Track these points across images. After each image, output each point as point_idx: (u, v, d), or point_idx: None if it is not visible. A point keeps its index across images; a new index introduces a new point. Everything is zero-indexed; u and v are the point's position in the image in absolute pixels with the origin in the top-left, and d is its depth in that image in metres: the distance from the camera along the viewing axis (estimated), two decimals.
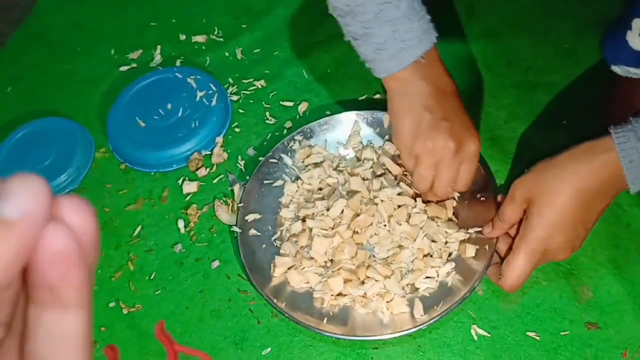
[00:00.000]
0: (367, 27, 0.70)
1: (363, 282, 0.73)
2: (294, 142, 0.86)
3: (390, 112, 0.75)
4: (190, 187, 0.87)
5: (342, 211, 0.77)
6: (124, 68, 1.04)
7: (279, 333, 0.74)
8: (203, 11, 1.11)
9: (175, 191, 0.88)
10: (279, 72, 0.99)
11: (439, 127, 0.70)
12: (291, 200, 0.82)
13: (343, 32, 0.73)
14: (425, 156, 0.72)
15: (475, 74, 0.93)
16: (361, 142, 0.85)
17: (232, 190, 0.86)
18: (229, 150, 0.91)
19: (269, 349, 0.73)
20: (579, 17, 0.96)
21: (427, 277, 0.72)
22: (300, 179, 0.83)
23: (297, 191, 0.83)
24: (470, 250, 0.73)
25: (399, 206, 0.76)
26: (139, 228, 0.85)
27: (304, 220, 0.78)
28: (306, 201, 0.81)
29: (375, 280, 0.72)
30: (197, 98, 0.94)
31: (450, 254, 0.74)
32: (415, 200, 0.77)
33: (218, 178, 0.88)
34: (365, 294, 0.72)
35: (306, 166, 0.85)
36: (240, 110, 0.95)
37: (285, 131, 0.91)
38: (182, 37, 1.07)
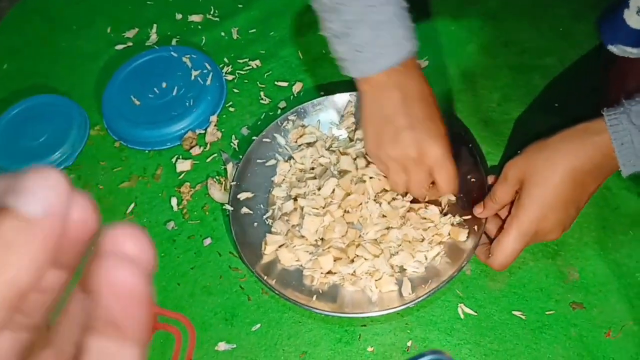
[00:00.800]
0: (348, 27, 0.69)
1: (352, 261, 0.74)
2: (288, 122, 0.86)
3: (360, 116, 0.75)
4: (183, 166, 0.88)
5: (333, 190, 0.78)
6: (119, 46, 1.05)
7: (269, 310, 0.75)
8: None
9: (168, 169, 0.88)
10: (274, 53, 0.99)
11: (400, 136, 0.70)
12: (283, 179, 0.83)
13: (320, 26, 0.72)
14: (390, 163, 0.73)
15: (470, 55, 0.93)
16: (354, 123, 0.86)
17: (225, 169, 0.86)
18: (223, 130, 0.91)
19: (258, 325, 0.74)
20: (576, 0, 0.96)
21: (415, 261, 0.73)
22: (293, 158, 0.84)
23: (289, 170, 0.83)
24: (462, 234, 0.73)
25: (386, 190, 0.77)
26: (132, 205, 0.86)
27: (295, 199, 0.79)
28: (298, 180, 0.81)
29: (365, 259, 0.73)
30: (192, 77, 0.94)
31: (441, 242, 0.74)
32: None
33: (212, 157, 0.88)
34: (354, 272, 0.73)
35: (299, 146, 0.85)
36: (235, 90, 0.96)
37: (279, 111, 0.92)
38: (179, 16, 1.07)
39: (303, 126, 0.86)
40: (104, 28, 1.08)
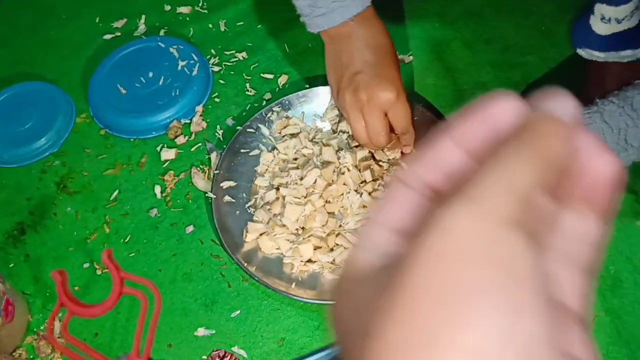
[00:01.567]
0: None
1: (332, 249, 0.75)
2: (272, 113, 0.87)
3: (326, 69, 0.80)
4: (168, 154, 0.88)
5: (315, 181, 0.79)
6: (108, 36, 1.05)
7: (249, 297, 0.76)
8: None
9: (153, 158, 0.89)
10: (261, 45, 1.00)
11: (353, 80, 0.74)
12: (267, 169, 0.84)
13: None
14: (348, 109, 0.76)
15: (453, 52, 0.94)
16: (337, 115, 0.87)
17: (209, 158, 0.87)
18: (208, 120, 0.92)
19: (238, 312, 0.75)
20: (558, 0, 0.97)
21: None
22: (276, 149, 0.85)
23: (272, 161, 0.84)
24: None
25: (366, 182, 0.78)
26: (116, 192, 0.86)
27: (277, 188, 0.80)
28: (281, 170, 0.82)
29: (344, 248, 0.74)
30: (179, 67, 0.95)
31: None
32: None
33: (196, 146, 0.89)
34: (334, 260, 0.74)
35: (283, 137, 0.86)
36: (221, 81, 0.96)
37: (264, 103, 0.92)
38: (167, 7, 1.08)
39: (287, 117, 0.87)
40: (93, 18, 1.09)
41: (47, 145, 0.91)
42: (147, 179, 0.87)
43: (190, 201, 0.84)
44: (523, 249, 0.18)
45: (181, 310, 0.75)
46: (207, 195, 0.83)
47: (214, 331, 0.74)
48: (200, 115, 0.92)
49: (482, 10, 0.98)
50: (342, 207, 0.77)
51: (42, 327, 0.76)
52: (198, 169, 0.86)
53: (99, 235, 0.83)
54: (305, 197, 0.78)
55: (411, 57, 0.94)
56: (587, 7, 0.73)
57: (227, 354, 0.72)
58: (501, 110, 0.21)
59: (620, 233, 0.75)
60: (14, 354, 0.74)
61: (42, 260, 0.82)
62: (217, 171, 0.82)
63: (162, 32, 1.04)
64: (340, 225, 0.76)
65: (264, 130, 0.86)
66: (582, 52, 0.75)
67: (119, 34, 1.05)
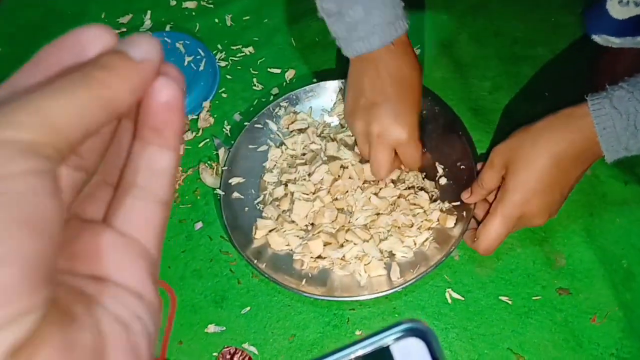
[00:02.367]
0: (341, 5, 0.70)
1: (342, 245, 0.74)
2: (280, 108, 0.87)
3: (346, 86, 0.79)
4: None
5: (323, 177, 0.78)
6: None
7: (259, 293, 0.76)
8: None
9: None
10: (267, 40, 0.99)
11: (369, 110, 0.73)
12: (275, 165, 0.83)
13: (317, 7, 0.73)
14: (357, 134, 0.76)
15: (461, 45, 0.93)
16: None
17: (217, 154, 0.87)
18: (215, 115, 0.92)
19: (248, 308, 0.74)
20: None
21: (404, 246, 0.74)
22: (284, 144, 0.84)
23: (280, 156, 0.84)
24: (450, 221, 0.74)
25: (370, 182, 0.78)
26: None
27: (286, 184, 0.80)
28: (289, 166, 0.82)
29: (354, 244, 0.74)
30: (185, 63, 0.95)
31: (429, 228, 0.75)
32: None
33: (204, 142, 0.89)
34: (344, 256, 0.74)
35: (291, 132, 0.86)
36: (228, 76, 0.96)
37: (271, 97, 0.92)
38: (173, 2, 1.07)
39: (295, 112, 0.87)
40: (98, 14, 1.08)
41: None
42: None
43: (198, 197, 0.84)
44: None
45: (191, 307, 0.75)
46: (215, 191, 0.82)
47: (224, 328, 0.73)
48: (208, 111, 0.92)
49: (490, 4, 0.98)
50: (348, 204, 0.77)
51: None
52: (206, 164, 0.86)
53: None
54: (314, 194, 0.78)
55: (419, 51, 0.93)
56: None
57: (237, 351, 0.72)
58: (89, 39, 0.22)
59: (632, 226, 0.74)
60: None
61: None
62: (225, 167, 0.82)
63: (167, 28, 1.03)
64: (349, 221, 0.76)
65: (272, 125, 0.86)
66: (598, 39, 0.74)
67: (124, 29, 1.05)
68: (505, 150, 0.69)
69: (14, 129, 0.18)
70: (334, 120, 0.86)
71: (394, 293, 0.71)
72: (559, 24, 0.93)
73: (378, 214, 0.76)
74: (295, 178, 0.80)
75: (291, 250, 0.76)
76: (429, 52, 0.93)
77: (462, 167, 0.78)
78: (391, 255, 0.74)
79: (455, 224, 0.74)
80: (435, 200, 0.77)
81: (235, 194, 0.80)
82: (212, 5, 1.06)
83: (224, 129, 0.90)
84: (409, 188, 0.77)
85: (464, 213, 0.74)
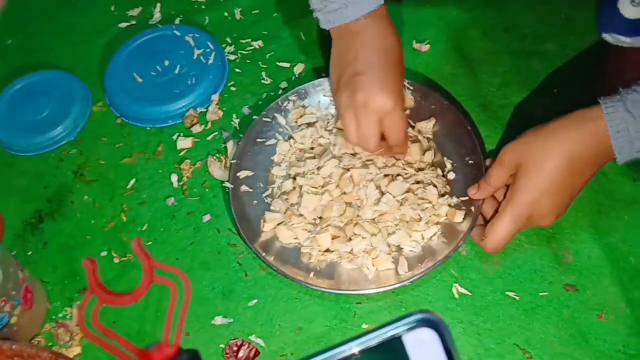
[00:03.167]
0: None
1: (350, 239, 0.74)
2: (288, 102, 0.87)
3: (330, 62, 0.79)
4: (184, 143, 0.88)
5: (332, 171, 0.78)
6: (123, 24, 1.05)
7: (266, 286, 0.76)
8: None
9: (169, 146, 0.89)
10: (276, 33, 0.99)
11: (353, 80, 0.73)
12: (283, 158, 0.84)
13: None
14: (343, 109, 0.75)
15: (471, 40, 0.93)
16: None
17: (226, 147, 0.87)
18: (224, 108, 0.92)
19: (255, 301, 0.75)
20: None
21: (412, 241, 0.74)
22: (293, 138, 0.84)
23: (289, 150, 0.84)
24: (459, 216, 0.74)
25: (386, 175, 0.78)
26: (132, 181, 0.86)
27: (294, 178, 0.80)
28: (297, 160, 0.82)
29: (362, 237, 0.74)
30: (195, 56, 0.95)
31: (438, 222, 0.75)
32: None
33: (212, 135, 0.89)
34: (352, 250, 0.74)
35: (299, 126, 0.86)
36: (237, 70, 0.96)
37: (280, 91, 0.92)
38: None
39: (303, 106, 0.87)
40: (108, 6, 1.08)
41: (64, 134, 0.91)
42: (163, 168, 0.87)
43: (207, 190, 0.84)
44: None
45: (199, 299, 0.75)
46: (224, 184, 0.83)
47: (231, 320, 0.74)
48: (217, 104, 0.92)
49: None
50: (358, 197, 0.77)
51: (60, 315, 0.77)
52: (214, 157, 0.86)
53: (116, 223, 0.83)
54: (322, 187, 0.78)
55: (428, 46, 0.93)
56: None
57: (244, 343, 0.72)
58: None
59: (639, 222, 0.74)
60: (32, 341, 0.75)
61: (60, 248, 0.82)
62: (234, 160, 0.82)
63: (177, 21, 1.03)
64: (358, 215, 0.76)
65: (280, 119, 0.86)
66: (608, 37, 0.74)
67: (134, 22, 1.05)
68: (516, 149, 0.68)
69: None
70: None
71: (401, 287, 0.71)
72: (569, 19, 0.93)
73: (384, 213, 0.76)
74: (304, 172, 0.80)
75: (299, 243, 0.76)
76: (438, 47, 0.93)
77: (470, 162, 0.78)
78: (399, 249, 0.74)
79: (463, 219, 0.74)
80: (443, 195, 0.77)
81: (244, 187, 0.80)
82: None
83: (232, 122, 0.90)
84: (418, 182, 0.77)
85: (472, 208, 0.74)
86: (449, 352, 0.28)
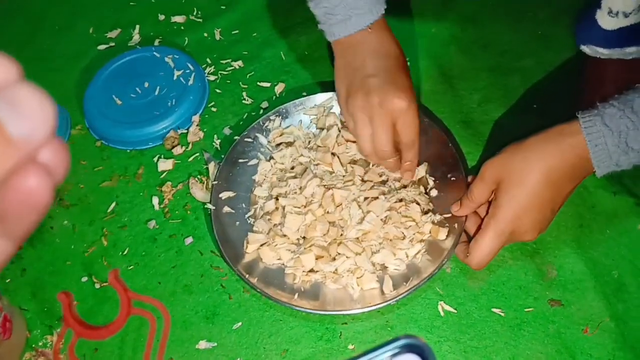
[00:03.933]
0: None
1: (334, 259, 0.74)
2: (270, 122, 0.86)
3: (334, 76, 0.79)
4: (165, 165, 0.88)
5: (315, 190, 0.78)
6: (102, 47, 1.04)
7: (250, 308, 0.75)
8: None
9: (150, 169, 0.88)
10: (256, 54, 0.99)
11: (365, 83, 0.74)
12: (264, 178, 0.83)
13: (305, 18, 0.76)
14: (357, 114, 0.75)
15: (450, 57, 0.94)
16: (323, 109, 0.86)
17: (207, 169, 0.86)
18: (205, 129, 0.91)
19: (239, 324, 0.74)
20: (553, 4, 0.97)
21: (396, 259, 0.74)
22: (273, 158, 0.84)
23: (270, 170, 0.83)
24: (442, 233, 0.74)
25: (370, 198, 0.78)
26: (113, 204, 0.85)
27: (277, 198, 0.79)
28: (279, 180, 0.82)
29: (347, 257, 0.74)
30: (175, 77, 0.94)
31: (422, 240, 0.75)
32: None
33: (193, 156, 0.88)
34: (336, 270, 0.73)
35: (277, 145, 0.85)
36: (218, 90, 0.96)
37: (261, 111, 0.92)
38: (161, 17, 1.07)
39: (282, 127, 0.86)
40: (87, 28, 1.08)
41: None
42: (144, 191, 0.86)
43: (189, 212, 0.83)
44: None
45: (182, 323, 0.74)
46: (205, 206, 0.82)
47: (215, 344, 0.73)
48: (197, 125, 0.91)
49: (478, 16, 0.98)
50: (341, 217, 0.77)
51: (40, 343, 0.75)
52: (196, 179, 0.85)
53: (97, 248, 0.82)
54: (305, 207, 0.78)
55: (407, 63, 0.93)
56: (591, 3, 0.73)
57: None
58: None
59: (622, 237, 0.74)
60: None
61: (39, 275, 0.81)
62: (216, 181, 0.81)
63: (156, 42, 1.03)
64: (341, 234, 0.76)
65: (262, 139, 0.86)
66: (586, 49, 0.75)
67: (113, 44, 1.05)
68: (497, 165, 0.69)
69: None
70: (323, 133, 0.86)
71: (386, 306, 0.71)
72: (546, 36, 0.94)
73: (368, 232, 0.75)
74: (285, 192, 0.79)
75: (283, 264, 0.75)
76: (418, 64, 0.94)
77: (452, 179, 0.78)
78: (383, 268, 0.74)
79: (447, 236, 0.74)
80: (426, 213, 0.76)
81: (226, 208, 0.80)
82: (200, 20, 1.06)
83: (213, 143, 0.90)
84: (400, 200, 0.77)
85: (456, 225, 0.74)
86: None
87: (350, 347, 0.71)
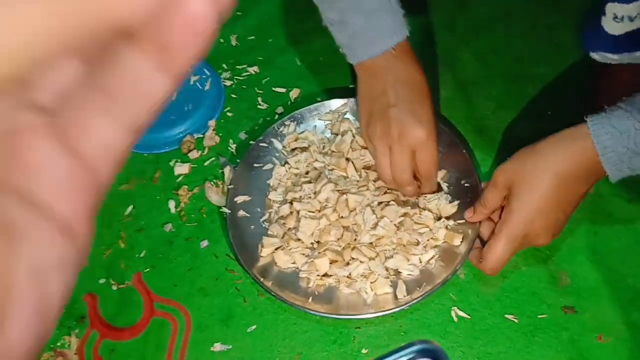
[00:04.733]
0: (343, 14, 0.72)
1: (348, 263, 0.75)
2: (285, 127, 0.87)
3: (357, 99, 0.79)
4: (181, 169, 0.89)
5: (329, 195, 0.79)
6: None
7: (265, 311, 0.76)
8: None
9: (167, 172, 0.89)
10: (272, 59, 1.00)
11: (385, 113, 0.74)
12: (279, 183, 0.84)
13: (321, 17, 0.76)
14: (377, 142, 0.75)
15: (464, 63, 0.94)
16: (338, 115, 0.87)
17: (223, 173, 0.87)
18: (220, 134, 0.92)
19: (254, 327, 0.74)
20: (567, 9, 0.97)
21: (410, 264, 0.74)
22: (288, 163, 0.85)
23: (285, 175, 0.84)
24: (457, 239, 0.74)
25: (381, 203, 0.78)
26: (130, 207, 0.86)
27: (291, 203, 0.80)
28: (294, 185, 0.82)
29: (360, 262, 0.74)
30: (191, 82, 0.96)
31: (435, 246, 0.75)
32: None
33: (209, 160, 0.89)
34: (350, 274, 0.74)
35: (293, 150, 0.86)
36: (233, 95, 0.97)
37: (276, 116, 0.93)
38: None
39: (297, 132, 0.87)
40: None
41: None
42: (161, 194, 0.87)
43: (204, 216, 0.84)
44: None
45: (197, 326, 0.75)
46: (221, 209, 0.83)
47: (230, 346, 0.73)
48: (213, 130, 0.92)
49: (491, 23, 0.99)
50: (355, 222, 0.77)
51: (58, 344, 0.76)
52: (212, 183, 0.86)
53: (114, 250, 0.83)
54: (319, 211, 0.78)
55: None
56: (595, 11, 0.73)
57: None
58: None
59: (637, 245, 0.74)
60: None
61: None
62: (231, 185, 0.82)
63: None
64: (355, 239, 0.76)
65: (277, 144, 0.86)
66: (596, 56, 0.75)
67: None
68: (508, 171, 0.69)
69: None
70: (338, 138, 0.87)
71: (400, 311, 0.71)
72: (560, 42, 0.94)
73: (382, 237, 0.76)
74: (300, 196, 0.80)
75: (297, 268, 0.76)
76: (432, 71, 0.94)
77: (466, 184, 0.78)
78: (397, 273, 0.74)
79: (461, 241, 0.74)
80: (440, 219, 0.77)
81: (241, 212, 0.81)
82: None
83: (229, 148, 0.91)
84: (414, 207, 0.77)
85: (470, 231, 0.74)
86: None
87: (364, 351, 0.71)
